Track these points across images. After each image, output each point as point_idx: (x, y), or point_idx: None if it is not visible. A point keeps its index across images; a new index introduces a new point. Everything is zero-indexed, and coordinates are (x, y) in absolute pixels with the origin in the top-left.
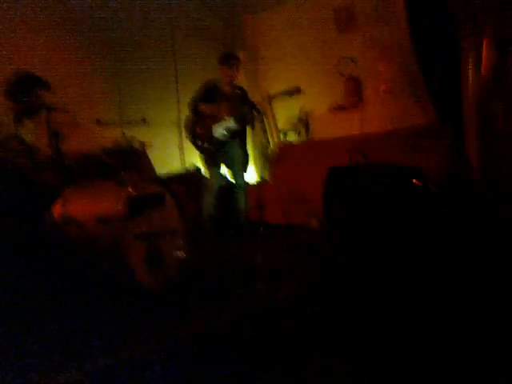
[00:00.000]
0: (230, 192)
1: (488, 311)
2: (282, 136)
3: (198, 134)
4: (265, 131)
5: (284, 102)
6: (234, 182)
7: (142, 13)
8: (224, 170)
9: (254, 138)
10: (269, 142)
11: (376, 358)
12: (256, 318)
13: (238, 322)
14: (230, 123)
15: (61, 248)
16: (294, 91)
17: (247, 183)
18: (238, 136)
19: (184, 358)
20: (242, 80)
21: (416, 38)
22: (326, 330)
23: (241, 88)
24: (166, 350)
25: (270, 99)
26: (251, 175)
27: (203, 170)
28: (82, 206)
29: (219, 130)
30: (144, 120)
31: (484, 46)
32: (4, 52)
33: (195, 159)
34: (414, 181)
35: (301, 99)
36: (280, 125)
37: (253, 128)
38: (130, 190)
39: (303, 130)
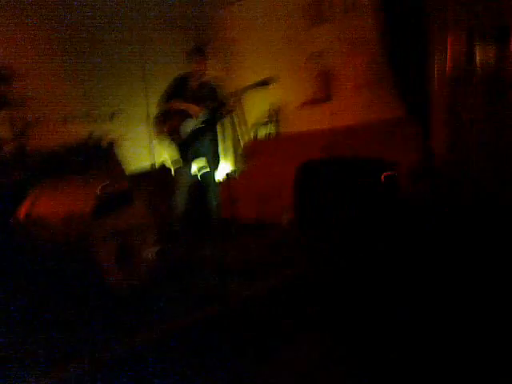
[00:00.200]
0: (200, 188)
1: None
2: (252, 130)
3: (168, 130)
4: (235, 125)
5: (254, 96)
6: (204, 178)
7: (109, 6)
8: (194, 166)
9: (224, 133)
10: (239, 137)
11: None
12: (231, 316)
13: (212, 319)
14: (200, 118)
15: (27, 248)
16: (265, 82)
17: (218, 179)
18: (208, 131)
19: (152, 359)
20: (211, 74)
21: (384, 30)
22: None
23: (210, 82)
24: (132, 352)
25: (240, 93)
26: (222, 171)
27: (173, 166)
28: (49, 205)
29: (188, 126)
30: (112, 116)
31: (450, 36)
32: None
33: (165, 155)
34: (383, 172)
35: (271, 93)
36: (250, 119)
37: (222, 123)
38: (98, 188)
39: (274, 124)
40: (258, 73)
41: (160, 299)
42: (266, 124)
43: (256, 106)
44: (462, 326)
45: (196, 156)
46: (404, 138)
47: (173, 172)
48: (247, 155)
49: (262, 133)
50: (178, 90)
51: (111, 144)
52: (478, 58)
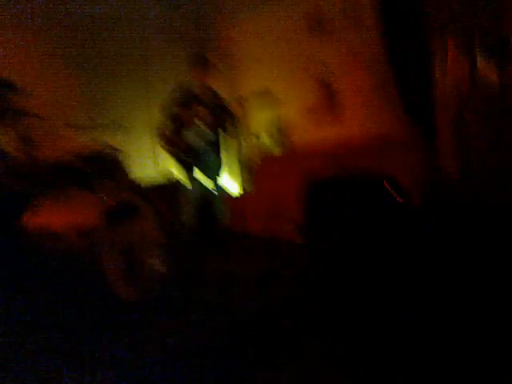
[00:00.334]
0: (204, 199)
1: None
2: (255, 139)
3: (171, 139)
4: (238, 135)
5: (257, 106)
6: (208, 187)
7: (113, 17)
8: (198, 175)
9: (227, 142)
10: (241, 146)
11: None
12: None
13: (220, 330)
14: (203, 127)
15: (33, 258)
16: (266, 96)
17: (223, 189)
18: (211, 140)
19: (160, 368)
20: (214, 83)
21: (386, 42)
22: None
23: (213, 91)
24: (140, 361)
25: (243, 103)
26: (226, 181)
27: (177, 176)
28: (56, 216)
29: (192, 135)
30: (117, 125)
31: (452, 49)
32: None
33: (169, 165)
34: (389, 191)
35: (274, 103)
36: (253, 128)
37: (225, 132)
38: (105, 199)
39: (276, 134)
40: (261, 82)
41: (166, 310)
42: (268, 132)
43: (259, 115)
44: (462, 327)
45: (200, 165)
46: (408, 152)
47: (179, 184)
48: (252, 169)
49: (265, 141)
50: (182, 98)
51: (117, 154)
52: (480, 72)
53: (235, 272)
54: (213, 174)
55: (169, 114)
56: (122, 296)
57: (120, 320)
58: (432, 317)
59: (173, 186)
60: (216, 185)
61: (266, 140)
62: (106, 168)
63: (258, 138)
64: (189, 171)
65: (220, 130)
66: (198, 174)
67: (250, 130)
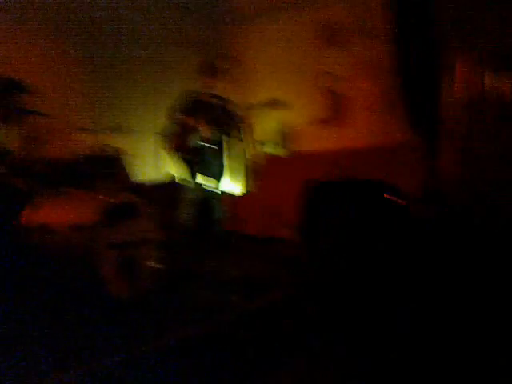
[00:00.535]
0: (205, 202)
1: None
2: (259, 147)
3: (177, 144)
4: (243, 142)
5: (264, 113)
6: (209, 191)
7: (123, 21)
8: (200, 178)
9: (231, 147)
10: (246, 154)
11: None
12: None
13: (219, 330)
14: (208, 134)
15: (30, 255)
16: (273, 103)
17: (223, 193)
18: (216, 146)
19: (154, 370)
20: (221, 91)
21: (398, 54)
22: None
23: (221, 98)
24: (135, 362)
25: (250, 110)
26: (227, 185)
27: (179, 179)
28: (55, 213)
29: (197, 141)
30: (120, 127)
31: (460, 62)
32: None
33: (171, 168)
34: (387, 196)
35: (281, 111)
36: (259, 135)
37: (230, 137)
38: (104, 198)
39: (281, 142)
40: (270, 91)
41: (161, 310)
42: (273, 140)
43: (265, 123)
44: (462, 327)
45: (203, 169)
46: (411, 162)
47: (180, 186)
48: (255, 172)
49: (269, 149)
50: (189, 104)
51: (119, 155)
52: (487, 84)
53: (235, 272)
54: (215, 176)
55: (175, 118)
56: (121, 295)
57: (118, 319)
58: (432, 317)
59: (173, 187)
60: (217, 187)
61: (270, 147)
62: (108, 168)
63: (263, 144)
64: (191, 174)
65: (224, 136)
66: (200, 176)
67: (256, 136)
